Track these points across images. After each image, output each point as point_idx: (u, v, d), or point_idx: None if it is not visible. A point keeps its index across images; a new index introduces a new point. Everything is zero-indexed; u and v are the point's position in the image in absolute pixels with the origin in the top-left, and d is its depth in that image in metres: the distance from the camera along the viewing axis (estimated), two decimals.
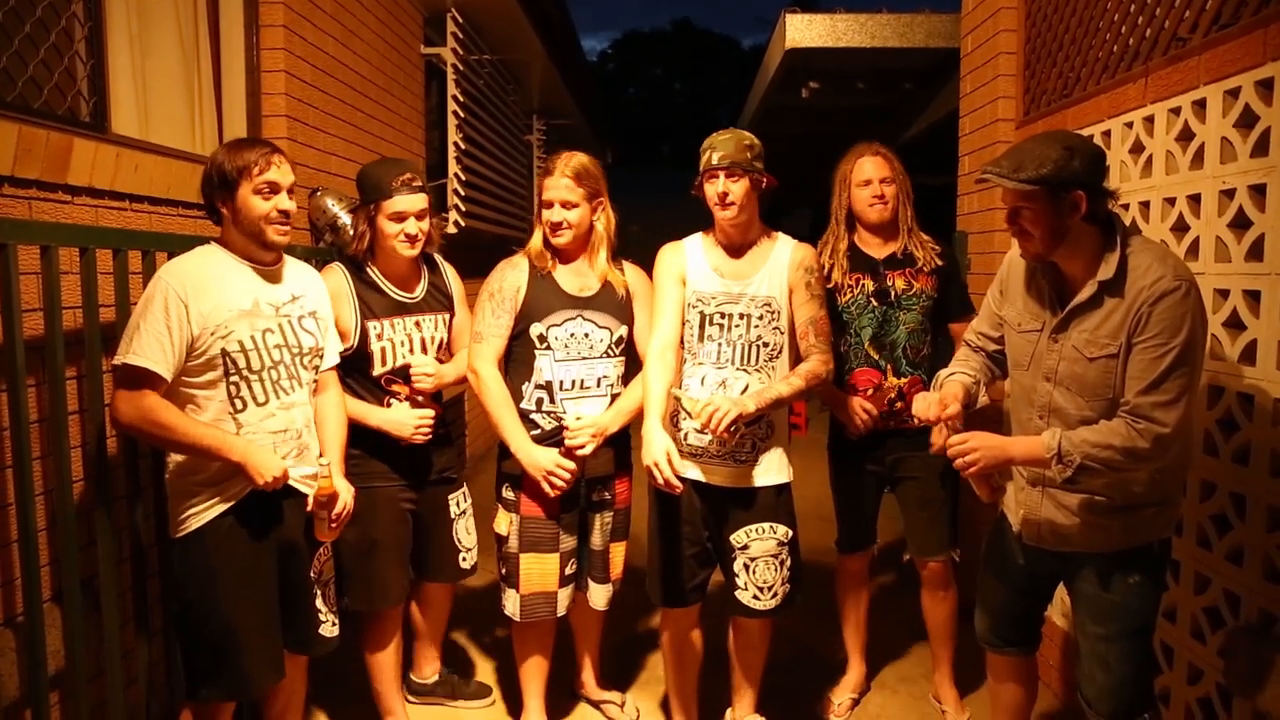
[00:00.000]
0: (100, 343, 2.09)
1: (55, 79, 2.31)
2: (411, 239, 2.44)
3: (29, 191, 2.10)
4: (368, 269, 2.50)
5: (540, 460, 2.38)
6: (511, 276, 2.47)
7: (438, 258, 2.70)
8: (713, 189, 2.29)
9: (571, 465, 2.39)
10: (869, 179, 2.65)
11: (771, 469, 2.38)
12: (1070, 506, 1.90)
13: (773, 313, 2.34)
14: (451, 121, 5.41)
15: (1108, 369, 1.79)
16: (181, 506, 1.97)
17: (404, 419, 2.46)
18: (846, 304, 2.69)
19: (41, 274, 1.93)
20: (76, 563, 1.97)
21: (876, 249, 2.70)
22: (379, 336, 2.46)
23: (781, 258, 2.36)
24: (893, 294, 2.66)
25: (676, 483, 2.17)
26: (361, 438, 2.45)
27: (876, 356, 2.69)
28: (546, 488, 2.38)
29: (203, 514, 1.96)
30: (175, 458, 1.97)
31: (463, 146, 5.50)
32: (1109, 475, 1.78)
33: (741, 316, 2.33)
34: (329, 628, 2.20)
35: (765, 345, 2.33)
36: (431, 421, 2.50)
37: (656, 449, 2.18)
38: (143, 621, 2.27)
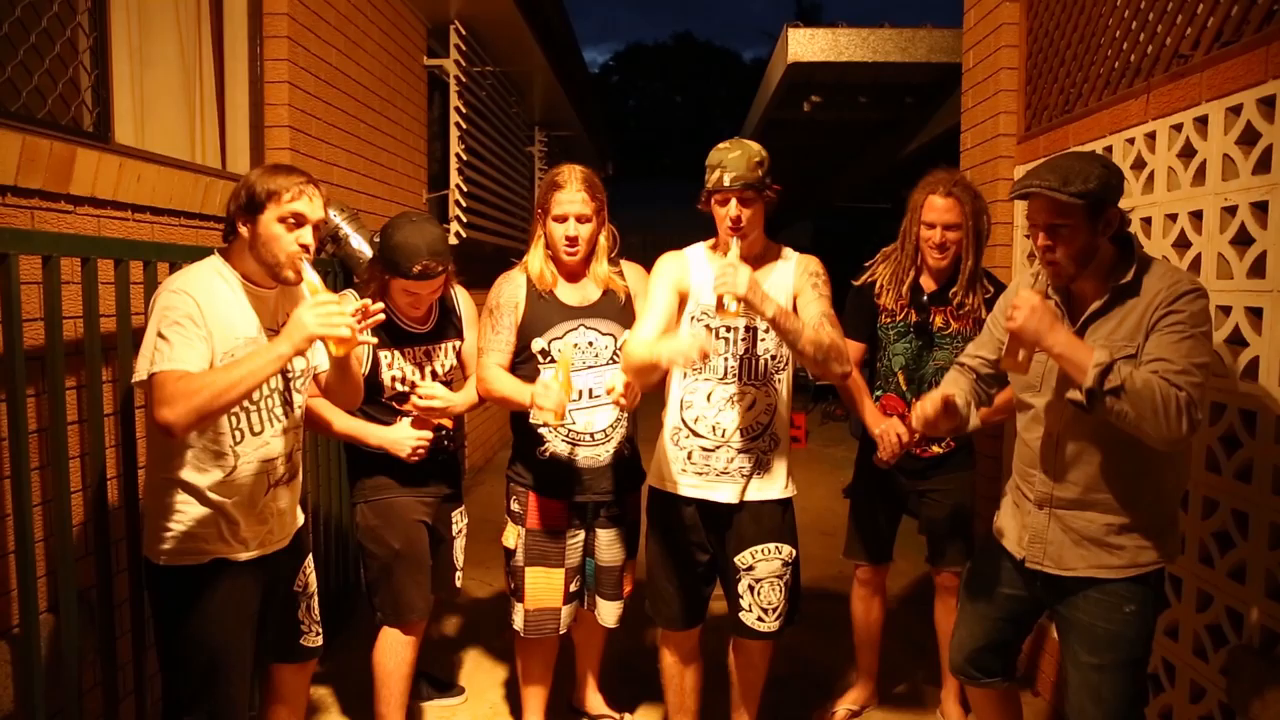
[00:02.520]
0: (100, 353, 2.09)
1: (59, 89, 2.32)
2: (423, 311, 2.52)
3: (32, 201, 2.10)
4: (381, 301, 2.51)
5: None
6: (508, 291, 2.46)
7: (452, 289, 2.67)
8: (724, 211, 2.19)
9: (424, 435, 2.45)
10: (935, 222, 2.57)
11: (777, 484, 2.36)
12: (1077, 529, 1.88)
13: None
14: (453, 133, 5.43)
15: None
16: (165, 534, 1.87)
17: (402, 438, 2.45)
18: (885, 325, 2.70)
19: (43, 284, 1.92)
20: (74, 574, 1.96)
21: (928, 282, 2.69)
22: (389, 366, 2.49)
23: (787, 268, 2.33)
24: (931, 329, 2.65)
25: (711, 346, 2.16)
26: (374, 454, 2.50)
27: (905, 388, 2.71)
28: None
29: (193, 556, 1.88)
30: (167, 482, 1.87)
31: (464, 158, 5.51)
32: (1124, 419, 1.67)
33: (747, 329, 2.30)
34: (311, 638, 2.19)
35: (772, 358, 2.32)
36: (428, 441, 2.48)
37: (685, 342, 2.02)
38: (139, 633, 2.25)
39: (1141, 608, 1.85)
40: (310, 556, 2.21)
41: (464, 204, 5.47)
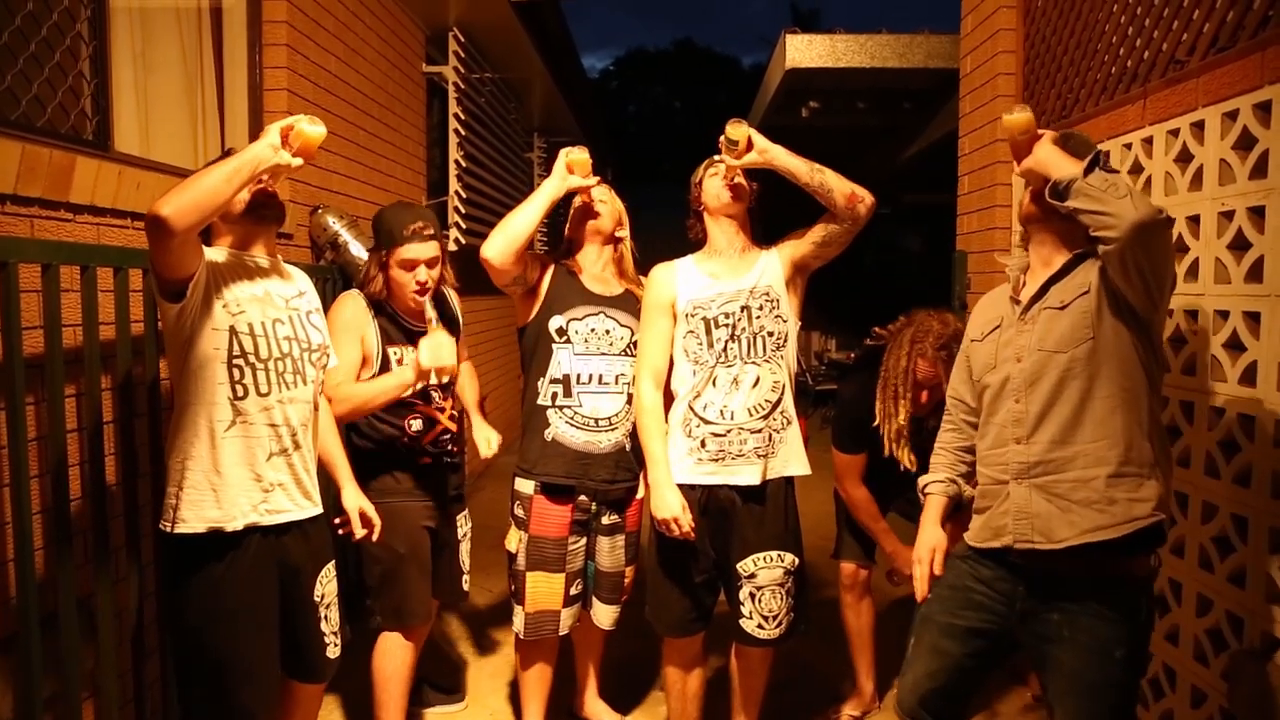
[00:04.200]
0: (100, 361, 2.09)
1: (59, 97, 2.33)
2: (422, 286, 2.46)
3: (31, 210, 2.10)
4: (382, 301, 2.53)
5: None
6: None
7: (443, 287, 2.70)
8: (718, 182, 2.35)
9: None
10: (926, 384, 2.55)
11: (795, 460, 2.38)
12: (1061, 494, 1.77)
13: (772, 301, 2.34)
14: (453, 139, 5.44)
15: (1082, 308, 1.75)
16: (172, 499, 1.89)
17: (408, 377, 2.37)
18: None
19: (42, 292, 1.93)
20: (73, 581, 1.96)
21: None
22: (399, 361, 2.50)
23: (771, 252, 2.42)
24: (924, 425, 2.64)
25: (691, 533, 2.28)
26: (381, 457, 2.51)
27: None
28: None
29: (202, 520, 1.89)
30: (179, 442, 1.88)
31: (463, 164, 5.52)
32: (1097, 199, 1.62)
33: (743, 309, 2.33)
34: (333, 649, 2.17)
35: (770, 335, 2.33)
36: (439, 376, 2.42)
37: (673, 503, 2.26)
38: (139, 641, 2.25)
39: (1130, 651, 1.76)
40: (332, 564, 2.19)
41: (463, 210, 5.48)
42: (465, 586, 2.77)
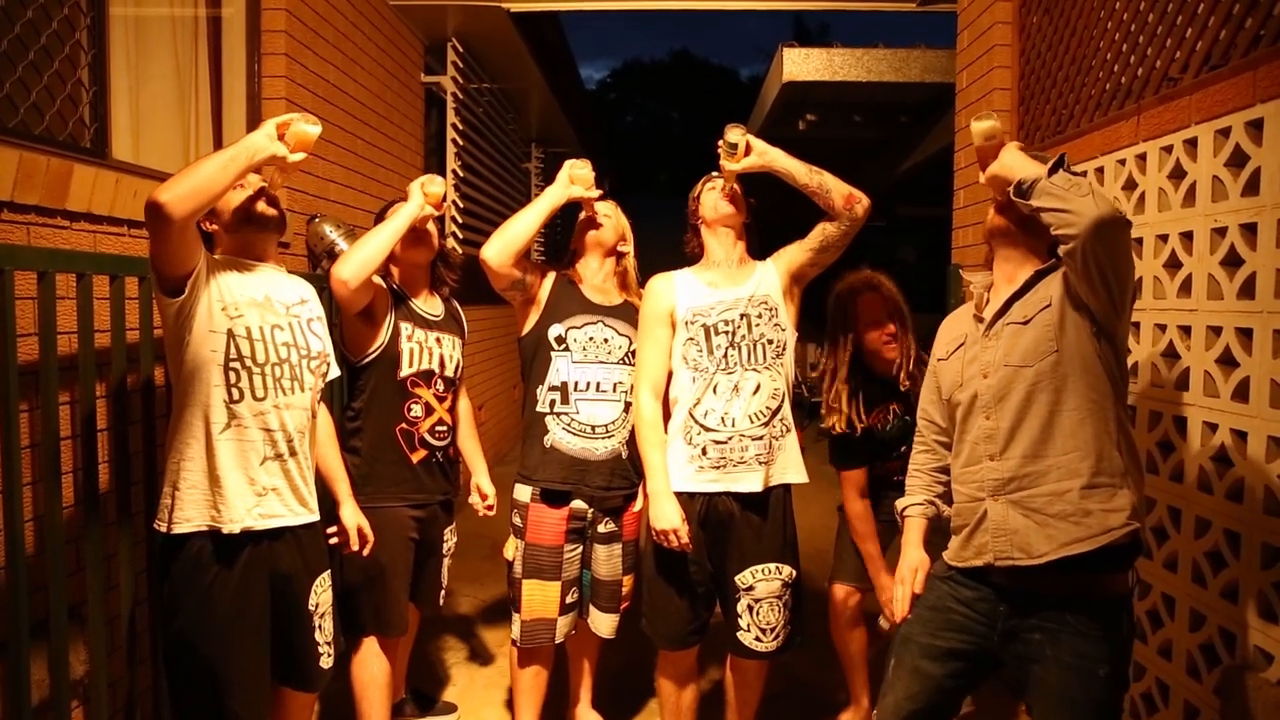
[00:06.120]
0: (94, 368, 2.09)
1: (57, 105, 2.33)
2: (419, 241, 2.55)
3: (28, 217, 2.10)
4: (401, 291, 2.59)
5: None
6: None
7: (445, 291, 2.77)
8: (715, 195, 2.40)
9: None
10: (878, 318, 2.61)
11: (794, 468, 2.39)
12: (1038, 508, 1.77)
13: (770, 310, 2.36)
14: (450, 149, 5.46)
15: (1044, 322, 1.76)
16: (167, 499, 1.91)
17: (413, 209, 2.44)
18: (883, 434, 2.69)
19: (38, 299, 1.93)
20: (64, 589, 1.96)
21: (888, 371, 2.68)
22: (409, 337, 2.53)
23: (768, 263, 2.45)
24: (888, 422, 2.67)
25: (689, 545, 2.29)
26: (371, 459, 2.50)
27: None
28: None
29: (198, 522, 1.90)
30: (176, 443, 1.90)
31: (461, 174, 5.54)
32: (1059, 197, 1.64)
33: (742, 317, 2.35)
34: (326, 659, 2.17)
35: (770, 342, 2.35)
36: (437, 200, 2.53)
37: (672, 515, 2.27)
38: (131, 649, 2.24)
39: (1115, 665, 1.76)
40: (327, 573, 2.18)
41: (460, 220, 5.49)
42: (440, 601, 2.76)
